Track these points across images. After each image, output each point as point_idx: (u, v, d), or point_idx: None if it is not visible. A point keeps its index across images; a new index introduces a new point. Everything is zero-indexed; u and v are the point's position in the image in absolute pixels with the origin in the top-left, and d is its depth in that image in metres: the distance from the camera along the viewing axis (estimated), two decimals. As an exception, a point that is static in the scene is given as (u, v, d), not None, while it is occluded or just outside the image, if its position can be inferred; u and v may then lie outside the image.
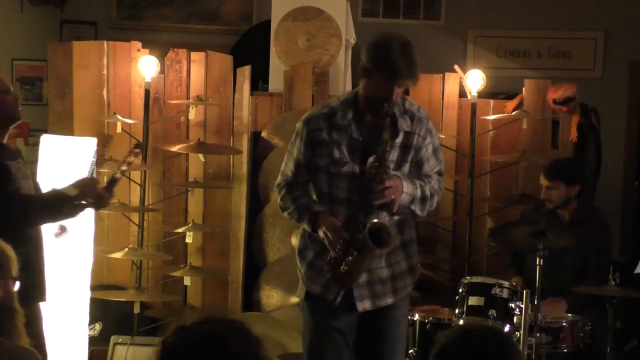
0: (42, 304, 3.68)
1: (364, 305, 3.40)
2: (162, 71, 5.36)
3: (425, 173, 3.43)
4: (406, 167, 3.37)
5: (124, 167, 3.71)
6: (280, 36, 5.45)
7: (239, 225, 5.38)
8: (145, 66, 5.26)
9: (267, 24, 5.66)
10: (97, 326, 5.21)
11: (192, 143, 5.19)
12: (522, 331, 3.94)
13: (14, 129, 3.69)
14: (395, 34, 3.36)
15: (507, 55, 6.77)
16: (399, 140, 3.32)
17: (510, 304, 4.08)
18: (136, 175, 5.31)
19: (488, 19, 6.78)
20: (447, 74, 5.48)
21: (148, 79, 5.24)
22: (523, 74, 5.99)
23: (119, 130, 5.17)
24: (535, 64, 6.69)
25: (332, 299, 3.39)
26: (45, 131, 5.21)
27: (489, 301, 4.12)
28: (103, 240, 5.29)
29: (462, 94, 5.44)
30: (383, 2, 6.80)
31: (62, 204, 3.53)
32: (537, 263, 4.01)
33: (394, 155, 3.32)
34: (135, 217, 5.27)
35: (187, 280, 5.12)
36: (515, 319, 4.06)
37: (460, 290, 4.21)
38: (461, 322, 4.11)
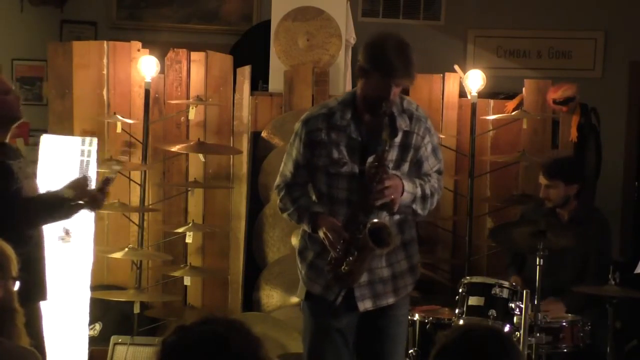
0: (42, 304, 3.68)
1: (365, 305, 3.40)
2: (162, 71, 5.36)
3: (424, 172, 3.43)
4: (405, 167, 3.37)
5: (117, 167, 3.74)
6: (280, 36, 5.45)
7: (239, 225, 5.38)
8: (145, 66, 5.26)
9: (267, 24, 5.66)
10: (97, 326, 5.21)
11: (192, 143, 5.19)
12: (522, 331, 3.94)
13: (14, 129, 3.70)
14: (391, 33, 3.37)
15: (507, 55, 6.77)
16: (398, 139, 3.33)
17: (510, 304, 4.08)
18: (136, 175, 5.31)
19: (488, 19, 6.78)
20: (447, 74, 5.48)
21: (148, 79, 5.24)
22: (523, 74, 5.99)
23: (119, 130, 5.16)
24: (535, 64, 6.69)
25: (332, 299, 3.40)
26: (45, 131, 5.21)
27: (489, 301, 4.12)
28: (103, 240, 5.28)
29: (462, 94, 5.44)
30: (383, 2, 6.80)
31: (59, 206, 3.54)
32: (537, 263, 4.01)
33: (393, 155, 3.33)
34: (135, 217, 5.27)
35: (187, 280, 5.12)
36: (515, 319, 4.06)
37: (460, 290, 4.21)
38: (461, 322, 4.10)
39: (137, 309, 5.05)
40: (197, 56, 5.44)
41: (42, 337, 3.60)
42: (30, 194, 3.60)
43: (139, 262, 5.19)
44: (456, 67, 5.46)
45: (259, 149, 5.43)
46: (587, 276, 4.53)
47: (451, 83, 5.47)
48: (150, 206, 5.30)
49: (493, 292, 4.13)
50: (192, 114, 5.26)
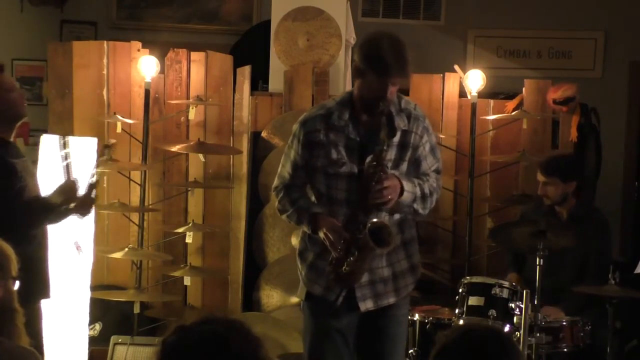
0: (43, 302, 3.69)
1: (367, 305, 3.40)
2: (162, 71, 5.36)
3: (423, 171, 3.43)
4: (404, 166, 3.37)
5: (96, 170, 3.75)
6: (280, 36, 5.45)
7: (239, 225, 5.38)
8: (145, 66, 5.26)
9: (267, 24, 5.66)
10: (97, 326, 5.21)
11: (192, 143, 5.19)
12: (522, 331, 3.94)
13: (16, 128, 3.70)
14: (386, 32, 3.36)
15: (507, 55, 6.77)
16: (396, 139, 3.32)
17: (510, 304, 4.08)
18: (136, 175, 5.31)
19: (488, 19, 6.78)
20: (447, 74, 5.48)
21: (148, 79, 5.24)
22: (523, 74, 5.99)
23: (119, 130, 5.16)
24: (535, 64, 6.70)
25: (333, 299, 3.40)
26: (45, 131, 5.21)
27: (489, 301, 4.12)
28: (103, 240, 5.28)
29: (462, 94, 5.43)
30: (383, 2, 6.81)
31: (50, 211, 3.55)
32: (537, 263, 4.01)
33: (391, 154, 3.32)
34: (135, 217, 5.27)
35: (187, 280, 5.12)
36: (515, 319, 4.06)
37: (460, 290, 4.21)
38: (461, 322, 4.11)
39: (137, 309, 5.05)
40: (197, 56, 5.44)
41: (41, 337, 3.60)
42: (33, 193, 3.60)
43: (139, 262, 5.19)
44: (456, 67, 5.46)
45: (259, 149, 5.43)
46: (587, 276, 4.53)
47: (451, 83, 5.47)
48: (150, 206, 5.30)
49: (493, 292, 4.13)
50: (192, 114, 5.26)
